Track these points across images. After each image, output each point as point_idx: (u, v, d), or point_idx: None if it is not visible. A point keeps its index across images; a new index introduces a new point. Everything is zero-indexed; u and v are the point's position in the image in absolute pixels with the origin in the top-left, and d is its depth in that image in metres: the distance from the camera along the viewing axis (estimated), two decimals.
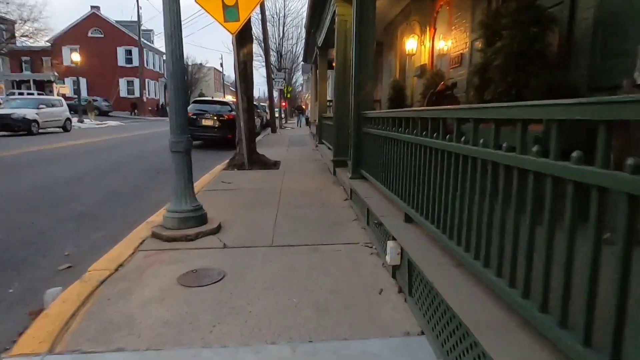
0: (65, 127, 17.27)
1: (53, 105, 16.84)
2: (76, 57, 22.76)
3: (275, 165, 7.61)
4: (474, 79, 3.50)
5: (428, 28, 6.18)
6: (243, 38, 7.22)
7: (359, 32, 4.42)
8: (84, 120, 22.23)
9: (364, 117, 4.43)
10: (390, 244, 2.61)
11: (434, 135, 2.28)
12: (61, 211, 4.66)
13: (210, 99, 13.43)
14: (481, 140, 1.73)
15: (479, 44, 4.09)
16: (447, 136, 2.08)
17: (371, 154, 4.14)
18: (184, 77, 3.45)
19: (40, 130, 15.59)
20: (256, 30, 24.56)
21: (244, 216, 4.14)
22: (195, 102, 12.87)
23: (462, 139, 1.91)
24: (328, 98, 11.95)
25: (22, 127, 14.52)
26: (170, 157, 3.61)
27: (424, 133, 2.44)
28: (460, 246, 1.94)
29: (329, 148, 8.54)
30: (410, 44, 6.78)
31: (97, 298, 2.38)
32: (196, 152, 12.22)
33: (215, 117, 11.82)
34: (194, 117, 11.80)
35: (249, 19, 7.37)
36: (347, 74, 6.54)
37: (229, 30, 6.87)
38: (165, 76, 47.00)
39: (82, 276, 2.65)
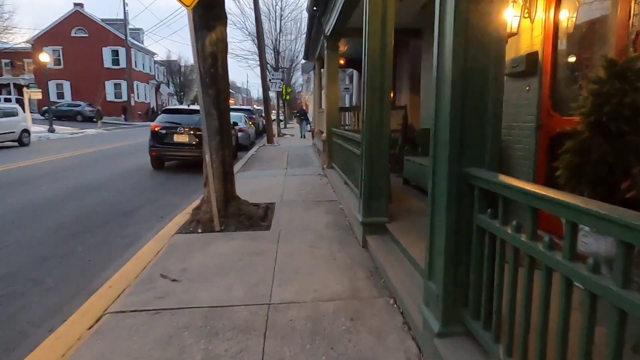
0: (22, 141, 14.46)
1: (6, 115, 14.04)
2: (45, 57, 19.85)
3: (263, 219, 4.74)
4: None
5: None
6: (208, 16, 4.43)
7: None
8: (55, 129, 19.39)
9: (479, 186, 1.65)
10: None
11: None
12: None
13: (185, 107, 10.60)
14: None
15: None
16: None
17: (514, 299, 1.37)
18: None
19: None
20: (250, 25, 21.81)
21: None
22: (166, 111, 9.98)
23: None
24: (340, 105, 9.09)
25: None
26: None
27: None
28: None
29: (346, 182, 5.76)
30: (507, 17, 3.61)
31: None
32: (165, 177, 9.27)
33: (191, 132, 9.04)
34: (163, 131, 9.10)
35: None
36: (385, 73, 3.76)
37: (182, 3, 4.10)
38: (156, 78, 44.00)
39: None
